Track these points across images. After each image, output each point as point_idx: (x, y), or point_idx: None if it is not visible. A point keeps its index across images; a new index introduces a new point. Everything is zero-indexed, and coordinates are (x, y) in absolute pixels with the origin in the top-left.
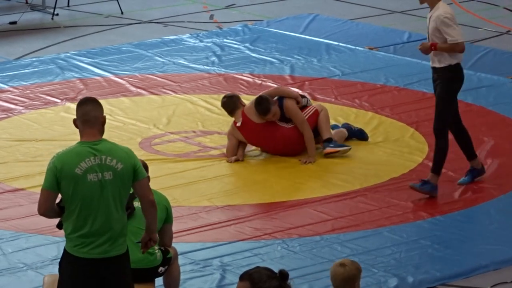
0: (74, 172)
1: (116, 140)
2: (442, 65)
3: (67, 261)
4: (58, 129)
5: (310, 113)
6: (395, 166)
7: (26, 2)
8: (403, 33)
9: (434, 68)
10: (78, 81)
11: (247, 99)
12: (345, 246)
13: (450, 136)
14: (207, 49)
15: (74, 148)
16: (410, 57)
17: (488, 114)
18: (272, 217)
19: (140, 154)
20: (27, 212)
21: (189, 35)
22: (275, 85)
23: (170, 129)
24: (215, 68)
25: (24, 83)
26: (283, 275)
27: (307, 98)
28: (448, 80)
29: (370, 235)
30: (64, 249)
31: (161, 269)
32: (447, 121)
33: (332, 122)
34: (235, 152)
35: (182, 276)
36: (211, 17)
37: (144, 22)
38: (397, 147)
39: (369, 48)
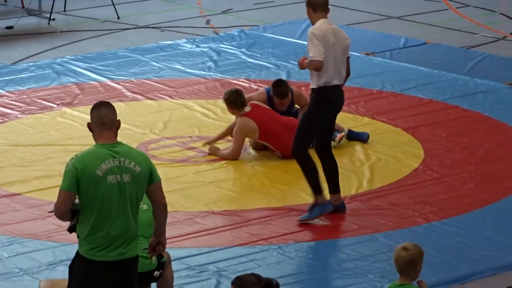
0: (95, 174)
1: None
2: (312, 86)
3: (81, 265)
4: (54, 134)
5: None
6: (391, 172)
7: (23, 7)
8: (400, 39)
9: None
10: (75, 86)
11: None
12: (341, 252)
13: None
14: (203, 54)
15: (93, 150)
16: (406, 62)
17: (485, 120)
18: (268, 222)
19: None
20: (23, 217)
21: (185, 40)
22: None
23: (166, 134)
24: (212, 73)
25: (21, 88)
26: (269, 284)
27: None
28: (313, 103)
29: (366, 240)
30: (77, 253)
31: (156, 273)
32: (305, 144)
33: None
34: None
35: (177, 282)
36: (208, 22)
37: (141, 27)
38: (393, 153)
39: (366, 54)
